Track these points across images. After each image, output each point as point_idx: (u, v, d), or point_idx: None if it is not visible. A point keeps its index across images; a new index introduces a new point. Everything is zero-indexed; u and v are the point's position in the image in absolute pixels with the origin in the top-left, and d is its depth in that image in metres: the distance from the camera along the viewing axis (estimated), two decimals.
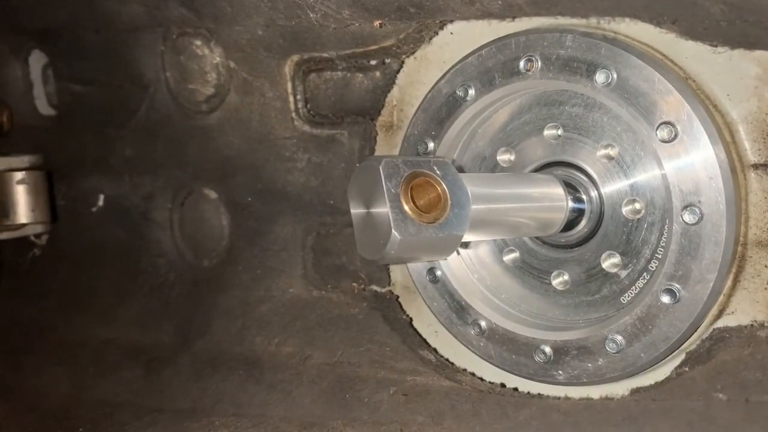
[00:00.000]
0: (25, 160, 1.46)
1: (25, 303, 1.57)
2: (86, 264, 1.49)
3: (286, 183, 1.23)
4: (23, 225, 1.45)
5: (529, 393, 1.01)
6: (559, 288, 0.99)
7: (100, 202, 1.46)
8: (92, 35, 1.38)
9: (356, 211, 0.79)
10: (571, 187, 0.94)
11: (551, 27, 0.93)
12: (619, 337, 0.88)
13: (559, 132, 0.96)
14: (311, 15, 1.09)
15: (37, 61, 1.50)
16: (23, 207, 1.41)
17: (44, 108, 1.52)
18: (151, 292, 1.40)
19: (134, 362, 1.38)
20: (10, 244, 1.53)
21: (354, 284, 1.19)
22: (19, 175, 1.40)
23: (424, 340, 1.12)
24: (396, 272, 1.15)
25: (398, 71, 1.10)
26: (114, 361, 1.41)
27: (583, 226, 0.95)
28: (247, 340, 1.26)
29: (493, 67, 0.96)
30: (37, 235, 1.54)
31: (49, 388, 1.45)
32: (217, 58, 1.24)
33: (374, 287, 1.18)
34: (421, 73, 1.08)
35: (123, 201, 1.42)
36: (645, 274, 0.91)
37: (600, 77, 0.87)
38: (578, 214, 0.94)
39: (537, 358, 0.95)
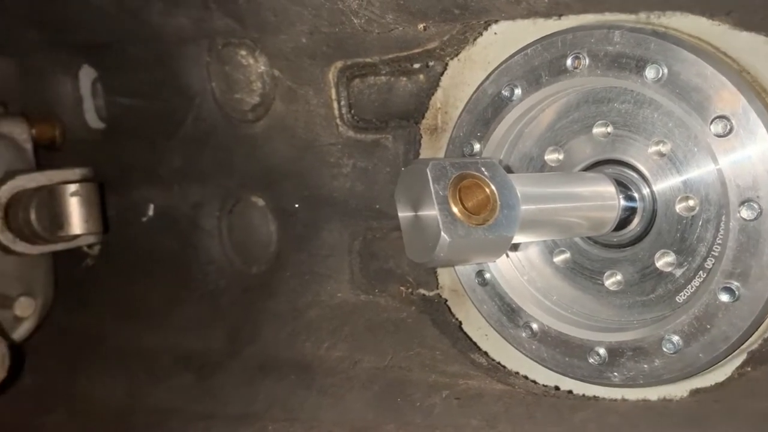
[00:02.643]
0: (77, 172, 1.48)
1: (79, 313, 1.60)
2: (137, 273, 1.52)
3: (332, 189, 1.23)
4: (77, 236, 1.47)
5: (584, 395, 0.99)
6: (612, 288, 0.97)
7: (150, 212, 1.49)
8: (139, 49, 1.41)
9: (404, 214, 0.79)
10: (622, 185, 0.92)
11: (599, 23, 0.92)
12: (675, 338, 0.86)
13: (609, 129, 0.95)
14: (355, 21, 1.09)
15: (86, 75, 1.54)
16: (77, 218, 1.43)
17: (94, 121, 1.55)
18: (201, 299, 1.41)
19: (186, 369, 1.40)
20: (64, 255, 1.56)
21: (401, 288, 1.19)
22: (72, 188, 1.42)
23: (475, 344, 1.11)
24: (444, 275, 1.15)
25: (442, 73, 1.09)
26: (166, 368, 1.43)
27: (635, 224, 0.93)
28: (296, 345, 1.27)
29: (539, 66, 0.94)
30: (90, 246, 1.57)
31: (103, 396, 1.48)
32: (262, 67, 1.26)
33: (422, 291, 1.17)
34: (466, 75, 1.07)
35: (172, 210, 1.44)
36: (701, 272, 0.89)
37: (650, 73, 0.85)
38: (630, 212, 0.92)
39: (591, 360, 0.93)
